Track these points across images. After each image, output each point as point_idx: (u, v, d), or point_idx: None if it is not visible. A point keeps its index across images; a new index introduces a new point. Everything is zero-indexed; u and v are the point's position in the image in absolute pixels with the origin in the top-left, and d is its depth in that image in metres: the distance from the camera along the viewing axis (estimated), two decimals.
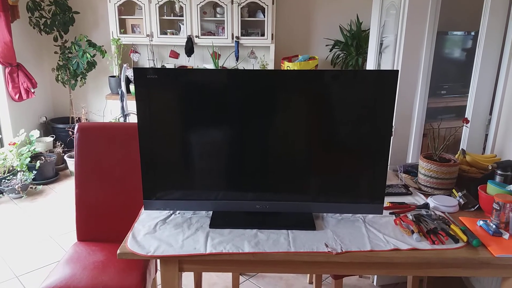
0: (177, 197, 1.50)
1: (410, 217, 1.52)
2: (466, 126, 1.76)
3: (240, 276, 2.34)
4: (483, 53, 2.06)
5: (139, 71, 1.37)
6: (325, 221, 1.51)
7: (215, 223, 1.47)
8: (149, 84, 1.38)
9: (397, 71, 1.37)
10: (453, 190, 1.72)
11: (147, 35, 4.01)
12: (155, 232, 1.43)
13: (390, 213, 1.57)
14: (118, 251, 1.33)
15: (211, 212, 1.55)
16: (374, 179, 1.47)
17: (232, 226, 1.46)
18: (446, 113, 3.81)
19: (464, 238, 1.38)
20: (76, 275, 1.61)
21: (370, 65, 3.07)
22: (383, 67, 2.93)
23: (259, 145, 1.47)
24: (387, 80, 1.37)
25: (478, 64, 2.06)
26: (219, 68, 4.00)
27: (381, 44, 2.99)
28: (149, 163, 1.46)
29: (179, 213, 1.56)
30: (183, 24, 4.06)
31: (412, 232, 1.41)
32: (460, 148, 1.83)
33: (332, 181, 1.51)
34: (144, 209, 1.52)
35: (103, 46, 3.97)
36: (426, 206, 1.62)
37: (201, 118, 1.44)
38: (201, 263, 1.36)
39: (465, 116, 2.07)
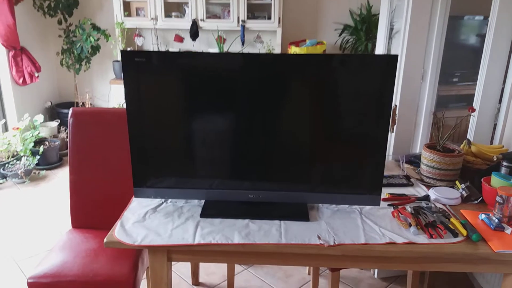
0: (168, 185, 1.46)
1: (409, 209, 1.46)
2: (472, 115, 1.68)
3: (239, 266, 2.31)
4: (493, 39, 1.95)
5: (126, 54, 1.32)
6: (320, 212, 1.46)
7: (206, 213, 1.43)
8: (137, 67, 1.33)
9: (396, 56, 1.30)
10: (456, 182, 1.65)
11: (152, 19, 3.95)
12: (144, 220, 1.40)
13: (388, 205, 1.52)
14: (105, 240, 1.30)
15: (203, 201, 1.51)
16: (372, 169, 1.41)
17: (224, 215, 1.42)
18: (457, 102, 3.70)
19: (464, 232, 1.32)
20: (68, 263, 1.59)
21: (380, 50, 2.96)
22: (393, 52, 2.83)
23: (253, 133, 1.42)
24: (386, 65, 1.30)
25: (488, 50, 1.96)
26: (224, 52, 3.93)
27: (392, 29, 2.89)
28: (140, 149, 1.42)
29: (170, 202, 1.52)
30: (188, 7, 3.98)
31: (410, 225, 1.36)
32: (466, 138, 1.75)
33: (328, 170, 1.45)
34: (135, 197, 1.49)
35: (107, 29, 3.92)
36: (426, 198, 1.56)
37: (193, 103, 1.39)
38: (189, 253, 1.33)
39: (473, 105, 1.98)
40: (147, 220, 1.40)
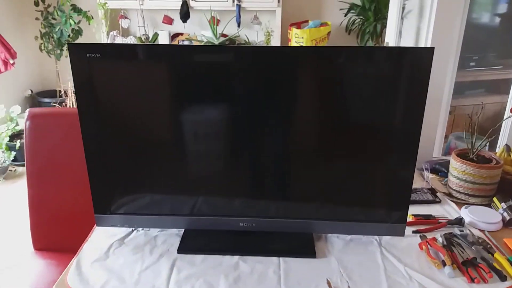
0: (138, 210, 1.16)
1: (440, 239, 1.17)
2: None
3: None
4: None
5: (75, 49, 1.00)
6: (329, 244, 1.17)
7: (185, 247, 1.14)
8: (91, 65, 1.02)
9: (432, 48, 0.98)
10: (495, 199, 1.35)
11: None
12: (107, 258, 1.11)
13: (413, 232, 1.22)
14: None
15: (183, 229, 1.21)
16: (395, 189, 1.11)
17: (207, 251, 1.12)
18: (473, 88, 3.38)
19: None
20: None
21: (390, 32, 2.63)
22: (404, 34, 2.49)
23: (242, 143, 1.11)
24: (417, 60, 0.99)
25: None
26: (217, 35, 3.58)
27: (403, 8, 2.56)
28: (99, 167, 1.12)
29: (142, 230, 1.23)
30: None
31: (443, 264, 1.06)
32: (504, 144, 1.44)
33: (339, 190, 1.15)
34: (97, 226, 1.20)
35: (89, 11, 3.56)
36: (459, 221, 1.26)
37: (165, 106, 1.09)
38: None
39: (508, 101, 1.66)
40: (110, 258, 1.11)
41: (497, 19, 3.29)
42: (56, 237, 1.57)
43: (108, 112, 1.07)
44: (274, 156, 1.12)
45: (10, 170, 3.19)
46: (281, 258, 1.10)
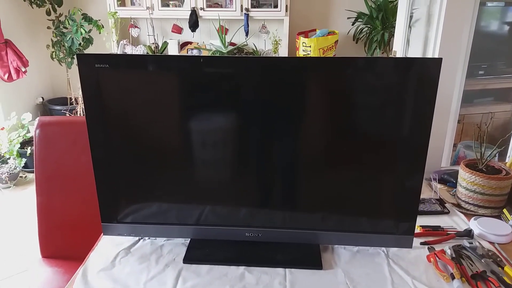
0: (144, 219, 1.17)
1: (449, 251, 1.15)
2: None
3: None
4: None
5: (83, 59, 1.02)
6: (336, 255, 1.16)
7: (190, 257, 1.14)
8: (99, 76, 1.03)
9: (440, 59, 0.98)
10: (504, 211, 1.33)
11: (147, 8, 3.63)
12: (113, 267, 1.11)
13: (421, 243, 1.21)
14: None
15: (189, 239, 1.21)
16: (403, 200, 1.10)
17: (213, 261, 1.12)
18: (482, 97, 3.35)
19: None
20: None
21: (398, 41, 2.63)
22: (412, 43, 2.49)
23: (249, 153, 1.11)
24: (425, 70, 0.98)
25: None
26: (225, 44, 3.60)
27: (411, 17, 2.56)
28: (106, 176, 1.13)
29: (148, 239, 1.23)
30: None
31: (452, 277, 1.05)
32: None
33: (346, 201, 1.14)
34: (104, 234, 1.20)
35: (99, 20, 3.61)
36: (469, 233, 1.24)
37: (172, 116, 1.09)
38: None
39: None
40: (116, 267, 1.11)
41: (506, 27, 3.27)
42: (64, 244, 1.58)
43: (116, 121, 1.08)
44: (282, 166, 1.12)
45: (20, 177, 3.22)
46: (287, 269, 1.10)
